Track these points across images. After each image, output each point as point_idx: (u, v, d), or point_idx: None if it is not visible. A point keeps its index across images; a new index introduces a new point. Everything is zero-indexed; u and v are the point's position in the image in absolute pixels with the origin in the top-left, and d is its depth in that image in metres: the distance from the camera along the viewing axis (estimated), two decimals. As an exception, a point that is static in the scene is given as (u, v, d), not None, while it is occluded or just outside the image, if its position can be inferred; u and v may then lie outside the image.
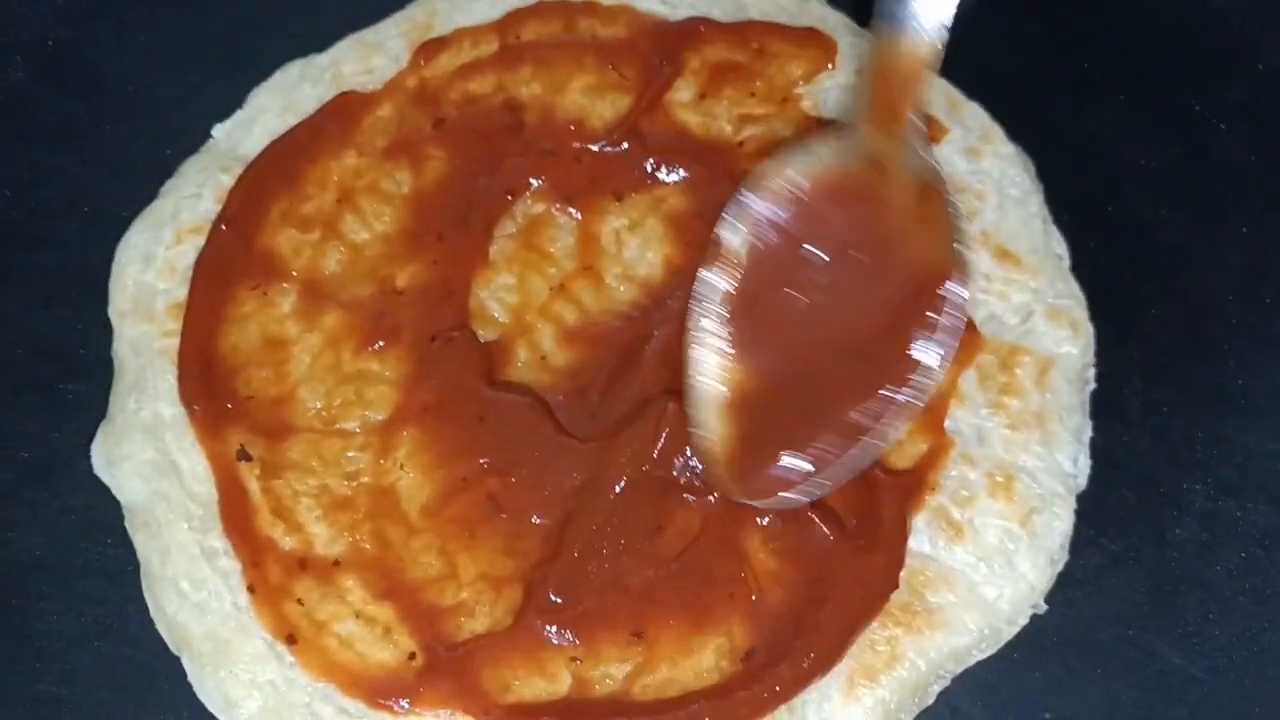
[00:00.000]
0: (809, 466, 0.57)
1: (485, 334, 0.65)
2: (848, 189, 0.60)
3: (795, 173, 0.61)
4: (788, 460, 0.58)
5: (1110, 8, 0.77)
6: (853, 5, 0.74)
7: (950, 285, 0.58)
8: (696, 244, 0.67)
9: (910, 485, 0.61)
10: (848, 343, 0.59)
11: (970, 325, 0.65)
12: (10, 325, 0.68)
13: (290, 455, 0.62)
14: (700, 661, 0.58)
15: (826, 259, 0.60)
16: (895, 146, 0.60)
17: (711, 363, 0.60)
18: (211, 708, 0.59)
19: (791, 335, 0.60)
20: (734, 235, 0.61)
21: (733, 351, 0.59)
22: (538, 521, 0.60)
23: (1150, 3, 0.77)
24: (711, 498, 0.60)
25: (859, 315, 0.59)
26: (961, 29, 0.75)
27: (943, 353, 0.58)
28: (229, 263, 0.66)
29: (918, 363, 0.58)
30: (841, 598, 0.59)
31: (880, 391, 0.58)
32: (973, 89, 0.72)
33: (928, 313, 0.58)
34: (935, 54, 0.59)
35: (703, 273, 0.61)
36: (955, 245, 0.58)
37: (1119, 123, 0.74)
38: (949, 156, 0.69)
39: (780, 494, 0.58)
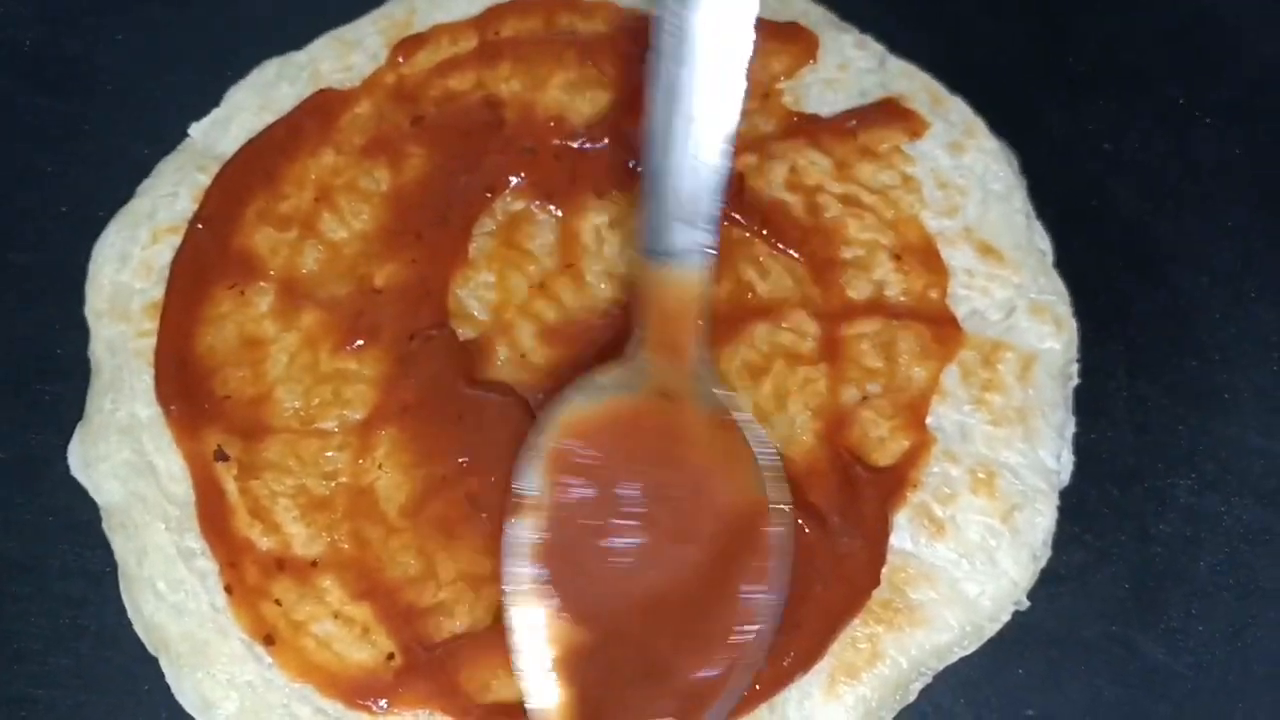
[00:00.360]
0: None
1: (465, 332, 0.65)
2: (642, 423, 0.57)
3: (584, 408, 0.57)
4: None
5: (1096, 3, 0.77)
6: (835, 0, 0.74)
7: (770, 529, 0.54)
8: (678, 241, 0.67)
9: (892, 482, 0.61)
10: (673, 591, 0.54)
11: (952, 320, 0.65)
12: (-13, 325, 0.68)
13: (267, 455, 0.62)
14: (680, 660, 0.58)
15: (632, 500, 0.55)
16: (681, 379, 0.57)
17: (533, 622, 0.54)
18: (189, 709, 0.58)
19: (612, 585, 0.54)
20: (531, 481, 0.56)
21: (554, 606, 0.54)
22: (517, 521, 0.60)
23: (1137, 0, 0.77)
24: None
25: (679, 560, 0.54)
26: (947, 23, 0.76)
27: (774, 599, 0.54)
28: (206, 262, 0.66)
29: (750, 611, 0.53)
30: (823, 595, 0.58)
31: (718, 646, 0.53)
32: (956, 83, 0.71)
33: (752, 557, 0.54)
34: (705, 281, 0.57)
35: (507, 527, 0.56)
36: (763, 479, 0.55)
37: (1104, 118, 0.74)
38: (931, 151, 0.69)
39: None
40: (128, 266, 0.66)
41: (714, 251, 0.57)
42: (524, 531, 0.56)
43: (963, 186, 0.68)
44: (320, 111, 0.69)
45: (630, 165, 0.68)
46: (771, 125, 0.69)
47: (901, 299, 0.65)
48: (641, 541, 0.54)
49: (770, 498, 0.56)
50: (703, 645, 0.54)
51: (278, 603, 0.59)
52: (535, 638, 0.54)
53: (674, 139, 0.57)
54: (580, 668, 0.54)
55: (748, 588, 0.54)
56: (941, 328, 0.64)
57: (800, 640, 0.57)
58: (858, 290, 0.65)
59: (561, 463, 0.56)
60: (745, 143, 0.69)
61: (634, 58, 0.70)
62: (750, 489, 0.56)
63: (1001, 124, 0.71)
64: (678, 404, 0.57)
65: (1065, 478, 0.63)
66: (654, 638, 0.54)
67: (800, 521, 0.59)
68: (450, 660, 0.57)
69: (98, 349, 0.65)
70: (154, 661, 0.60)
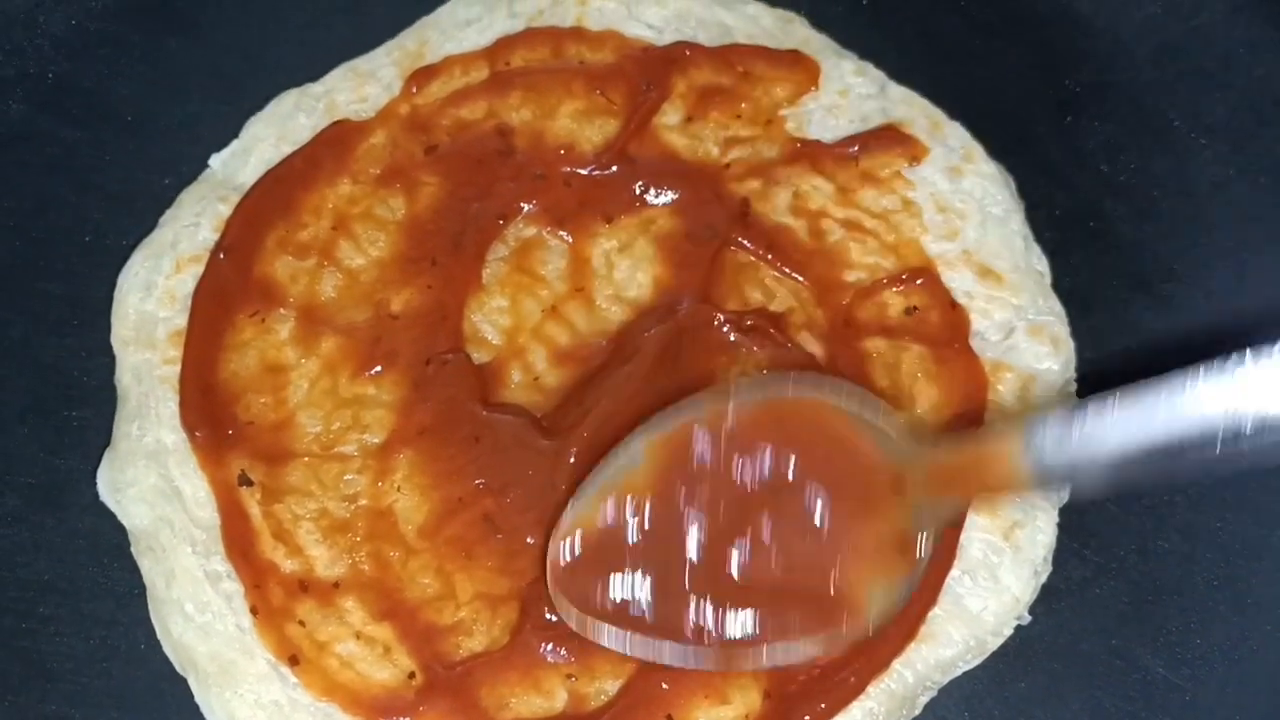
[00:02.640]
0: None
1: (479, 356, 0.67)
2: (846, 453, 0.56)
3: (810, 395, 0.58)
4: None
5: (1091, 26, 0.79)
6: (836, 27, 0.75)
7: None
8: (686, 264, 0.68)
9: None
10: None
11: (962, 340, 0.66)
12: (15, 353, 0.70)
13: (290, 479, 0.63)
14: (692, 676, 0.59)
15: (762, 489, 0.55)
16: (932, 506, 0.55)
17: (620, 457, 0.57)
18: (217, 727, 0.60)
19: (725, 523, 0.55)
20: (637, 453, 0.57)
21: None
22: (532, 541, 0.62)
23: (1131, 21, 0.78)
24: None
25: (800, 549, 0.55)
26: (945, 50, 0.77)
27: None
28: (227, 290, 0.68)
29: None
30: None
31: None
32: (954, 109, 0.73)
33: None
34: (1034, 488, 0.54)
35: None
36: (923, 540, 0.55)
37: (1100, 140, 0.75)
38: (931, 176, 0.70)
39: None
40: (152, 295, 0.68)
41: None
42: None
43: (962, 210, 0.70)
44: (337, 142, 0.71)
45: (638, 191, 0.70)
46: (775, 151, 0.71)
47: (905, 320, 0.67)
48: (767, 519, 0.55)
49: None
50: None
51: (301, 624, 0.60)
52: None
53: None
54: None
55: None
56: (944, 348, 0.66)
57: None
58: (862, 311, 0.67)
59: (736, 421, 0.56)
60: (749, 168, 0.71)
61: (640, 87, 0.72)
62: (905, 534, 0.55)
63: (999, 148, 0.72)
64: (900, 483, 0.56)
65: (1065, 495, 0.65)
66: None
67: None
68: (470, 678, 0.59)
69: (124, 376, 0.67)
70: (182, 681, 0.61)
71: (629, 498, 0.56)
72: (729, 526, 0.55)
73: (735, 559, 0.55)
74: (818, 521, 0.55)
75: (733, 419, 0.56)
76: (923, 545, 0.55)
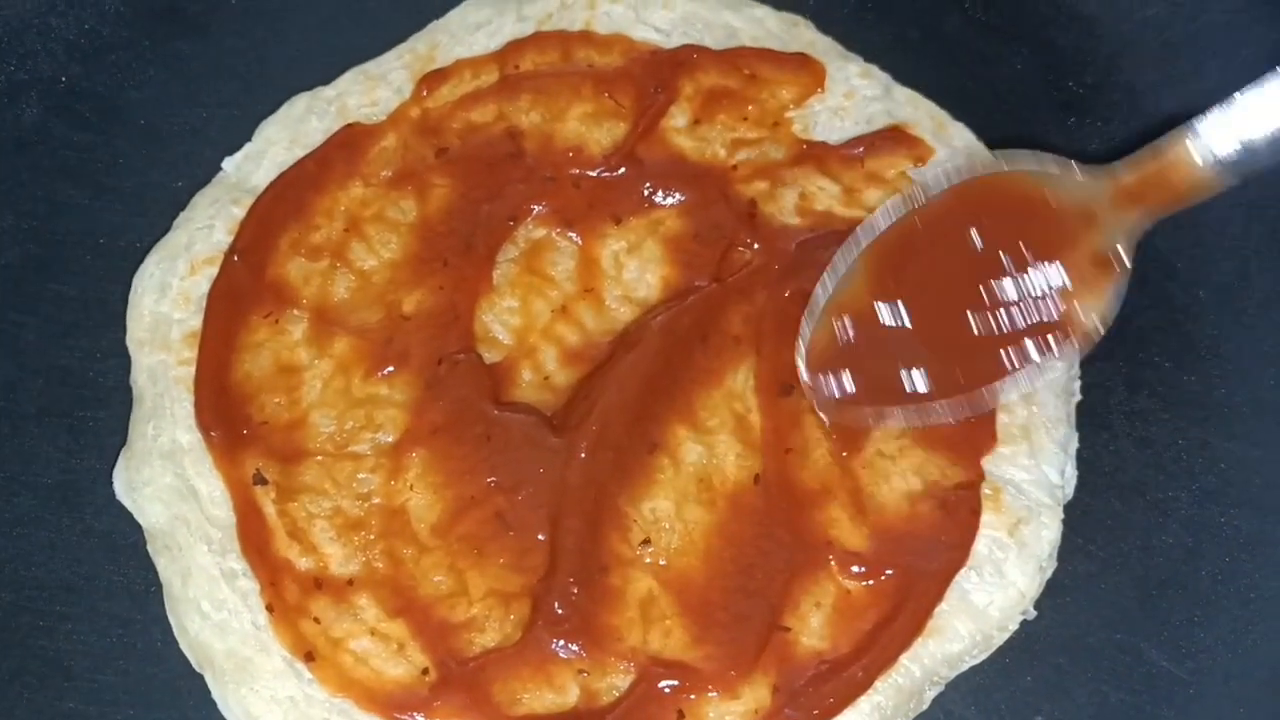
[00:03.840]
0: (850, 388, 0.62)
1: (490, 356, 0.67)
2: (1035, 209, 0.62)
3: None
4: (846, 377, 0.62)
5: (1095, 26, 0.79)
6: (841, 30, 0.76)
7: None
8: (693, 264, 0.69)
9: (904, 498, 0.63)
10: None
11: None
12: (31, 355, 0.71)
13: (304, 478, 0.64)
14: (703, 671, 0.60)
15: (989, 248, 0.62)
16: (1122, 221, 0.60)
17: (840, 273, 0.63)
18: (234, 723, 0.61)
19: (931, 289, 0.62)
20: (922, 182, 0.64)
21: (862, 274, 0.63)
22: (544, 538, 0.62)
23: (1134, 21, 0.79)
24: None
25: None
26: (949, 51, 0.78)
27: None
28: (241, 292, 0.68)
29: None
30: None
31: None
32: (958, 109, 0.74)
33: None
34: (1216, 184, 0.58)
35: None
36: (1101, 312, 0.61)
37: (1103, 138, 0.76)
38: (935, 177, 0.71)
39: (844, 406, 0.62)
40: (167, 297, 0.69)
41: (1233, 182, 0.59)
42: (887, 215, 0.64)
43: (967, 210, 0.70)
44: (348, 145, 0.72)
45: (646, 192, 0.71)
46: (781, 153, 0.72)
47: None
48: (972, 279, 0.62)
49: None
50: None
51: (317, 620, 0.61)
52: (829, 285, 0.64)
53: None
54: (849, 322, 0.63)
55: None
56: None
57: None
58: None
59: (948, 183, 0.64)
60: (756, 170, 0.71)
61: (648, 89, 0.73)
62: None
63: (1004, 148, 0.72)
64: (1089, 223, 0.61)
65: (1069, 491, 0.66)
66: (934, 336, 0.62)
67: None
68: (483, 674, 0.60)
69: (139, 377, 0.68)
70: (199, 678, 0.62)
71: (856, 311, 0.63)
72: (951, 299, 0.62)
73: (966, 323, 0.61)
74: (1028, 272, 0.61)
75: (929, 213, 0.64)
76: (1123, 257, 0.61)
